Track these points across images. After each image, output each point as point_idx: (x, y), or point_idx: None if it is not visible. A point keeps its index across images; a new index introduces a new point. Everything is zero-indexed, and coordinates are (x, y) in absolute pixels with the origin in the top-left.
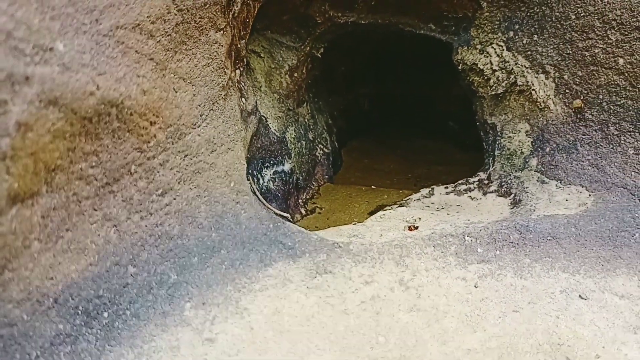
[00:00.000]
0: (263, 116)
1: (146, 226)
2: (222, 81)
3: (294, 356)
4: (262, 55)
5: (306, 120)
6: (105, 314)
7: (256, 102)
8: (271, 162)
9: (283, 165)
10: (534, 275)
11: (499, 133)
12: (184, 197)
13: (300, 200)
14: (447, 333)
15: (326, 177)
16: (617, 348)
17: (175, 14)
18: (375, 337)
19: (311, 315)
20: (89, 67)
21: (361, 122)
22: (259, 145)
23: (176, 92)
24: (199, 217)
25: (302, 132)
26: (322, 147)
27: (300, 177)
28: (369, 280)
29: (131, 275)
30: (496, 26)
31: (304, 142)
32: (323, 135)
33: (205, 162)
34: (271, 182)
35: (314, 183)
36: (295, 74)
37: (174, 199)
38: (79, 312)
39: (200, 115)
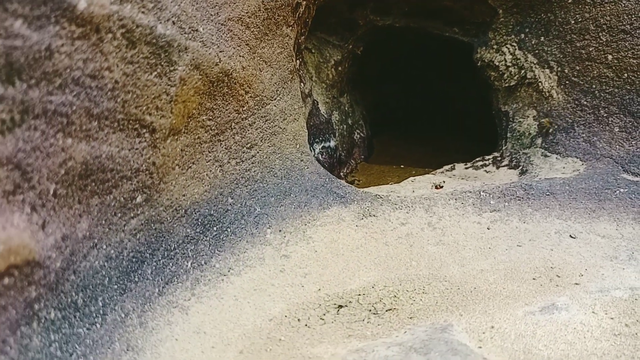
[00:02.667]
0: (315, 100)
1: (239, 170)
2: (290, 66)
3: (348, 271)
4: (313, 51)
5: (346, 108)
6: (214, 228)
7: (311, 88)
8: (320, 138)
9: (329, 142)
10: (534, 220)
11: (510, 119)
12: (264, 152)
13: (342, 173)
14: (465, 259)
15: (362, 157)
16: (597, 270)
17: (263, 12)
18: (409, 262)
19: (360, 245)
20: (215, 45)
21: (389, 116)
22: (311, 123)
23: (261, 71)
24: (274, 168)
25: (344, 117)
26: (359, 132)
27: (343, 154)
28: (404, 222)
29: (230, 204)
30: (510, 29)
31: (344, 126)
32: (359, 122)
33: (279, 127)
34: (320, 155)
35: (352, 161)
36: (339, 68)
37: (258, 152)
38: (199, 223)
39: (276, 91)
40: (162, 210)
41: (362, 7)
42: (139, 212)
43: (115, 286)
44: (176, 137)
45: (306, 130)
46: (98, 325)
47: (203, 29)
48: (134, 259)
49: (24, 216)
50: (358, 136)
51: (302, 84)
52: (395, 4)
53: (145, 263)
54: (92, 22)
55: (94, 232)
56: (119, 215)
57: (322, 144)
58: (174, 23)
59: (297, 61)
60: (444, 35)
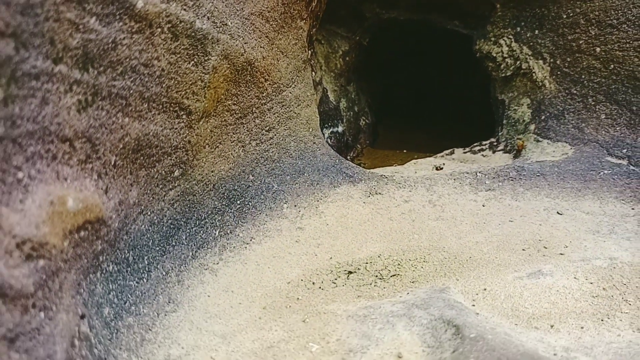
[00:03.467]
0: (325, 88)
1: (259, 150)
2: (304, 56)
3: (356, 242)
4: (322, 42)
5: (353, 96)
6: (238, 202)
7: (321, 77)
8: (329, 124)
9: (337, 127)
10: (525, 199)
11: (506, 106)
12: (281, 135)
13: (348, 157)
14: (462, 233)
15: (367, 142)
16: (580, 242)
17: (280, 7)
18: (412, 235)
19: (367, 220)
20: (241, 37)
21: (393, 104)
22: (321, 110)
23: (278, 60)
24: (289, 149)
25: (350, 104)
26: (364, 118)
27: (350, 139)
28: (407, 199)
29: (251, 181)
30: (507, 23)
31: (351, 113)
32: (365, 110)
33: (294, 112)
34: (329, 139)
35: (358, 145)
36: (347, 58)
37: (275, 135)
38: (224, 196)
39: (291, 79)
40: (195, 184)
41: (370, 1)
42: (176, 184)
43: (157, 248)
44: (207, 119)
45: (318, 116)
46: (145, 280)
47: (231, 23)
48: (171, 226)
49: (93, 182)
50: (364, 122)
51: (313, 72)
52: None
53: (181, 230)
54: (147, 18)
55: (141, 200)
56: (160, 186)
57: (330, 129)
58: (208, 18)
59: (309, 51)
60: (445, 27)
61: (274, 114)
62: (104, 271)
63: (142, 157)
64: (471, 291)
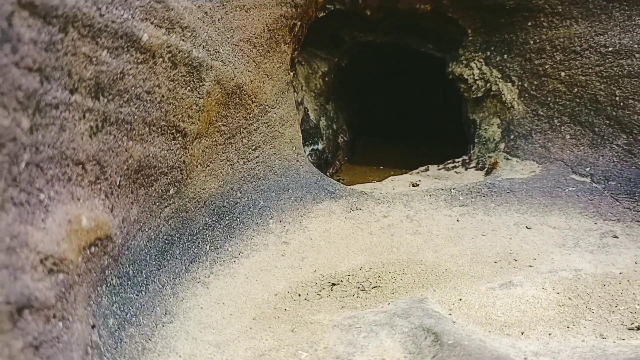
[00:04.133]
0: (305, 107)
1: (246, 169)
2: (287, 78)
3: (339, 256)
4: (303, 63)
5: (331, 114)
6: (227, 218)
7: (302, 97)
8: (310, 141)
9: (318, 145)
10: (496, 214)
11: (478, 126)
12: (267, 153)
13: (328, 173)
14: (438, 246)
15: (346, 158)
16: (547, 255)
17: (267, 33)
18: (391, 248)
19: (348, 234)
20: (231, 63)
21: (371, 122)
22: (303, 128)
23: (264, 83)
24: (274, 167)
25: (330, 122)
26: (342, 136)
27: (329, 155)
28: (386, 215)
29: (239, 197)
30: (477, 47)
31: (330, 130)
32: (343, 127)
33: (279, 131)
34: (310, 156)
35: (337, 162)
36: (326, 78)
37: (261, 153)
38: (214, 213)
39: (276, 100)
40: (188, 201)
41: (348, 25)
42: (171, 202)
43: (154, 262)
44: (200, 140)
45: (300, 135)
46: (143, 293)
47: (223, 50)
48: (166, 241)
49: (101, 201)
50: (342, 140)
51: (295, 93)
52: (377, 23)
53: (175, 245)
54: (150, 49)
55: (140, 217)
56: (157, 204)
57: (311, 147)
58: (203, 47)
59: (291, 73)
60: (420, 50)
61: (260, 133)
62: (108, 284)
63: (142, 177)
64: (448, 301)
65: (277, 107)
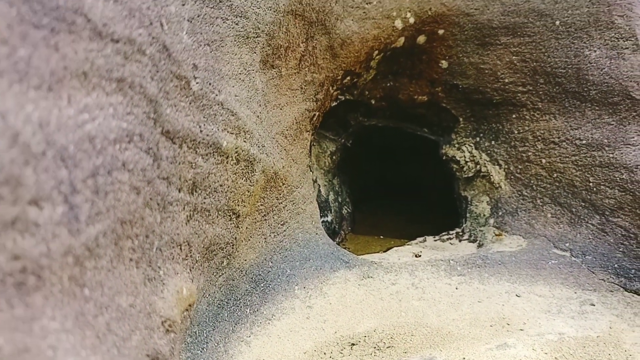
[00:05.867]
0: (319, 184)
1: (276, 241)
2: (307, 161)
3: (355, 319)
4: (314, 144)
5: (337, 188)
6: (262, 284)
7: (316, 176)
8: (321, 214)
9: (327, 217)
10: (490, 283)
11: (469, 202)
12: (292, 227)
13: (335, 242)
14: (440, 311)
15: (349, 228)
16: (535, 320)
17: (294, 125)
18: (399, 313)
19: (362, 299)
20: (272, 154)
21: (368, 193)
22: (316, 203)
23: (291, 167)
24: (298, 240)
25: (336, 196)
26: (346, 208)
27: (336, 226)
28: (394, 282)
29: (270, 267)
30: (468, 133)
31: (337, 203)
32: (347, 200)
33: (302, 208)
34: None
35: (342, 232)
36: (334, 157)
37: (287, 228)
38: (252, 280)
39: (299, 181)
40: (234, 271)
41: (354, 111)
42: (223, 272)
43: (211, 323)
44: (246, 219)
45: (318, 210)
46: (205, 349)
47: (266, 144)
48: (218, 306)
49: (188, 274)
50: (346, 211)
51: (311, 172)
52: (379, 109)
53: (224, 308)
54: (226, 152)
55: (205, 286)
56: (215, 274)
57: (322, 219)
58: (256, 145)
59: (310, 156)
60: (416, 133)
61: (287, 211)
62: (186, 342)
63: (208, 253)
64: (453, 359)
65: (300, 187)
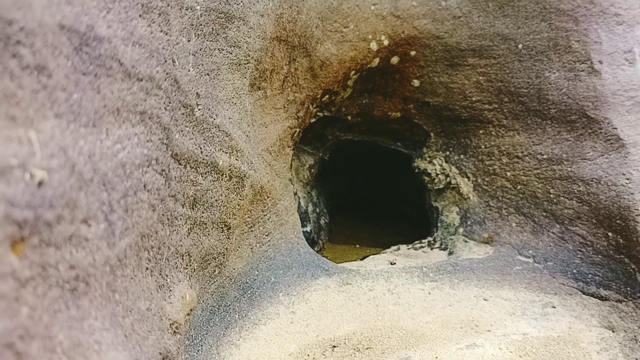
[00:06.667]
0: (299, 196)
1: (261, 251)
2: (289, 175)
3: (335, 323)
4: (294, 158)
5: (315, 200)
6: (249, 292)
7: (297, 189)
8: (301, 225)
9: (307, 227)
10: (460, 288)
11: (440, 212)
12: (276, 238)
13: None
14: (415, 315)
15: (326, 238)
16: (501, 322)
17: (278, 142)
18: (377, 317)
19: (342, 305)
20: (259, 170)
21: (344, 204)
22: (297, 214)
23: (275, 181)
24: (281, 249)
25: (314, 207)
26: (323, 218)
27: (315, 236)
28: (371, 288)
29: (256, 275)
30: (439, 147)
31: (315, 214)
32: (324, 210)
33: (285, 220)
34: None
35: (320, 241)
36: (312, 170)
37: (272, 238)
38: (240, 288)
39: (282, 194)
40: (225, 279)
41: (331, 126)
42: (215, 280)
43: (204, 327)
44: (235, 231)
45: (299, 221)
46: (200, 351)
47: (254, 161)
48: (211, 311)
49: (188, 282)
50: (323, 222)
51: (292, 185)
52: (355, 125)
53: (215, 314)
54: (221, 170)
55: (200, 293)
56: (208, 282)
57: (302, 229)
58: (246, 162)
59: (291, 170)
60: (390, 147)
61: (272, 222)
62: (185, 344)
63: (203, 262)
64: (426, 359)
65: (283, 199)
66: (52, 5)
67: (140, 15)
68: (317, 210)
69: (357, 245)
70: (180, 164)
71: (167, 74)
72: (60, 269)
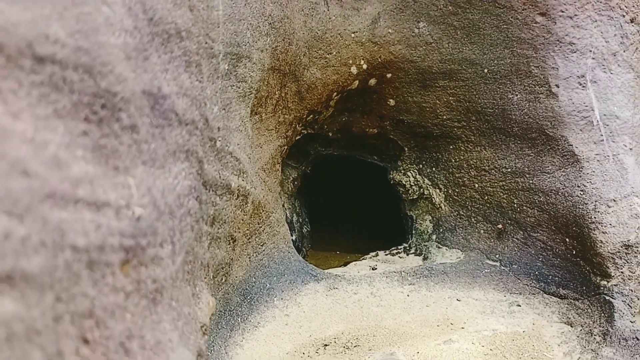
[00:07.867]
0: (285, 208)
1: (257, 260)
2: (278, 189)
3: (325, 324)
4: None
5: (298, 210)
6: (248, 297)
7: (284, 201)
8: None
9: (292, 236)
10: (435, 290)
11: (414, 220)
12: (269, 247)
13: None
14: (396, 315)
15: (309, 246)
16: (473, 319)
17: (270, 160)
18: (362, 317)
19: (330, 307)
20: (257, 187)
21: (324, 214)
22: (287, 225)
23: (268, 195)
24: (274, 258)
25: (297, 217)
26: (305, 227)
27: (299, 244)
28: (355, 292)
29: (254, 282)
30: (412, 161)
31: (299, 224)
32: (306, 220)
33: (276, 230)
34: None
35: (304, 249)
36: (296, 182)
37: (266, 248)
38: (241, 294)
39: (274, 207)
40: (229, 287)
41: (314, 142)
42: (222, 287)
43: (214, 329)
44: (238, 243)
45: (288, 231)
46: (213, 350)
47: (254, 179)
48: (219, 316)
49: (208, 289)
50: (305, 230)
51: (281, 199)
52: (335, 140)
53: (222, 318)
54: (233, 191)
55: None
56: (217, 289)
57: None
58: (249, 181)
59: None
60: (367, 160)
61: (266, 233)
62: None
63: (215, 272)
64: (409, 354)
65: (275, 211)
66: (137, 77)
67: (185, 70)
68: (300, 219)
69: (338, 252)
70: (206, 189)
71: (201, 115)
72: (147, 283)
